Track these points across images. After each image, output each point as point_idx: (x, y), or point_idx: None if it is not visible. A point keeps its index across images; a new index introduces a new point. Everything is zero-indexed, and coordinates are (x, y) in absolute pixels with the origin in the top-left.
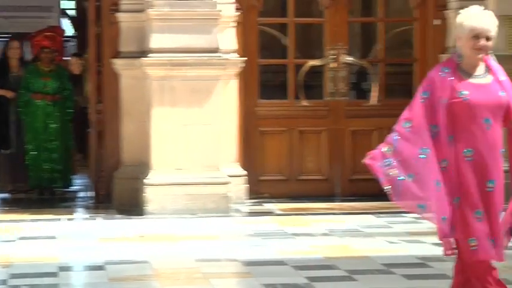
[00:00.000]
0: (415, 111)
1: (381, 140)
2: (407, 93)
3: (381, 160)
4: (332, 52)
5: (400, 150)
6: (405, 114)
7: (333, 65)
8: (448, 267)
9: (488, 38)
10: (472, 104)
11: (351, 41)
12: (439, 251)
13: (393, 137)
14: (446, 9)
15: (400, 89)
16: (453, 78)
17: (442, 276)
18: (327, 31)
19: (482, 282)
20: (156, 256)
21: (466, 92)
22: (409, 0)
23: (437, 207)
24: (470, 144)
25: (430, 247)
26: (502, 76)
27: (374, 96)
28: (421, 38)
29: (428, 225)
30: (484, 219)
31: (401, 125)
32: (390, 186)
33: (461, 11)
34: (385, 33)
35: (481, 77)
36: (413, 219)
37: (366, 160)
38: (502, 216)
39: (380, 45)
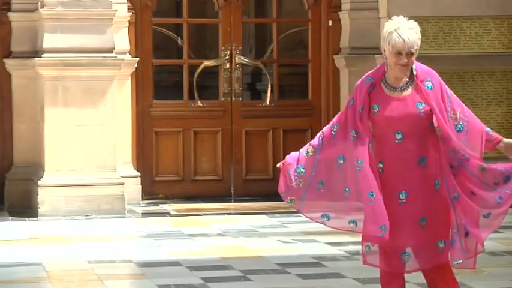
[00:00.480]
0: (341, 116)
1: (276, 140)
2: (302, 94)
3: (294, 167)
4: (227, 53)
5: (321, 152)
6: (336, 117)
7: (227, 65)
8: (342, 266)
9: (411, 54)
10: (383, 118)
11: (245, 42)
12: (333, 250)
13: (319, 137)
14: (340, 11)
15: (295, 90)
16: (372, 89)
17: (336, 276)
18: (222, 32)
19: None
20: (49, 258)
21: (377, 107)
22: (303, 1)
23: (374, 217)
24: (382, 157)
25: (325, 246)
26: (427, 84)
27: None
28: (315, 39)
29: (322, 224)
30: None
31: (330, 127)
32: (294, 199)
33: (387, 22)
34: (279, 34)
35: (400, 90)
36: (308, 219)
37: (280, 164)
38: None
39: (274, 46)
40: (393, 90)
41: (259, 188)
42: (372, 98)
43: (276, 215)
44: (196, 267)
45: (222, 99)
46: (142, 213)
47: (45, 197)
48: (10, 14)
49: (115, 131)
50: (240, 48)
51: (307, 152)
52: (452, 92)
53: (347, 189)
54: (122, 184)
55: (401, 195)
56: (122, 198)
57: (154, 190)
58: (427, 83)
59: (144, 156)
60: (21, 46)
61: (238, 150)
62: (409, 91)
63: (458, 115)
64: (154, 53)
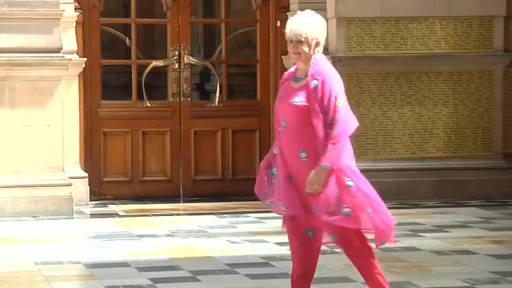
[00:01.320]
0: None
1: (225, 140)
2: (251, 94)
3: (268, 168)
4: (175, 53)
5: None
6: None
7: (176, 66)
8: (291, 266)
9: (300, 42)
10: (276, 106)
11: (194, 42)
12: (282, 250)
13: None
14: (288, 11)
15: (244, 90)
16: (284, 82)
17: (285, 276)
18: (170, 32)
19: None
20: None
21: (278, 96)
22: (251, 1)
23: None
24: (277, 143)
25: (274, 246)
26: (314, 82)
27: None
28: (263, 40)
29: (271, 224)
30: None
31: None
32: (270, 202)
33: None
34: (227, 35)
35: (298, 80)
36: (257, 219)
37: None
38: None
39: (223, 46)
40: (294, 81)
41: (208, 188)
42: (281, 89)
43: (225, 215)
44: (144, 267)
45: (171, 99)
46: (91, 214)
47: None
48: None
49: (63, 132)
50: (189, 48)
51: (276, 151)
52: (338, 99)
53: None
54: (70, 185)
55: (291, 179)
56: (70, 199)
57: (103, 191)
58: (314, 80)
59: (92, 157)
60: None
61: (187, 150)
62: (302, 83)
63: (331, 121)
64: (102, 53)
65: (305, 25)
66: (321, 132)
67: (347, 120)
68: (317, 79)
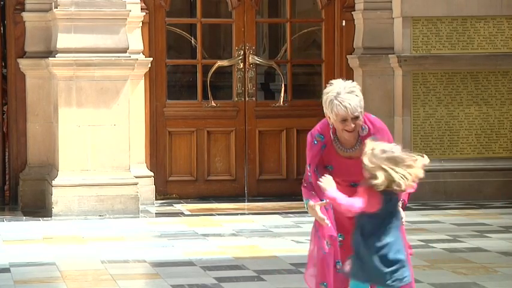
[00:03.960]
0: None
1: (289, 140)
2: (315, 94)
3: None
4: (240, 53)
5: None
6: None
7: (241, 65)
8: None
9: (356, 118)
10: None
11: (259, 42)
12: None
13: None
14: (353, 10)
15: (308, 90)
16: (324, 149)
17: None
18: (235, 32)
19: None
20: (62, 258)
21: (331, 168)
22: (316, 1)
23: None
24: None
25: None
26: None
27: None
28: (329, 39)
29: None
30: None
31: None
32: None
33: (326, 89)
34: (292, 34)
35: (352, 150)
36: None
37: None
38: None
39: (288, 46)
40: (345, 151)
41: (273, 188)
42: (325, 158)
43: (290, 215)
44: (209, 267)
45: (236, 99)
46: (156, 213)
47: (59, 197)
48: (24, 14)
49: (129, 131)
50: (254, 48)
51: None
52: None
53: None
54: (136, 184)
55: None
56: (136, 198)
57: (168, 190)
58: (370, 136)
59: (158, 156)
60: (35, 46)
61: (252, 150)
62: (359, 149)
63: None
64: (167, 53)
65: (355, 99)
66: None
67: None
68: (373, 135)
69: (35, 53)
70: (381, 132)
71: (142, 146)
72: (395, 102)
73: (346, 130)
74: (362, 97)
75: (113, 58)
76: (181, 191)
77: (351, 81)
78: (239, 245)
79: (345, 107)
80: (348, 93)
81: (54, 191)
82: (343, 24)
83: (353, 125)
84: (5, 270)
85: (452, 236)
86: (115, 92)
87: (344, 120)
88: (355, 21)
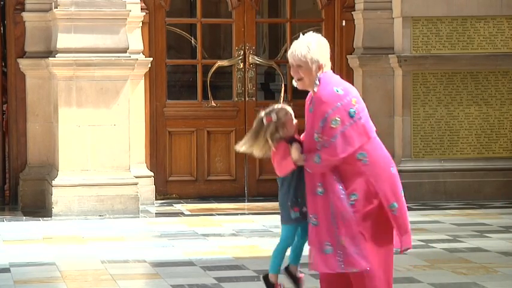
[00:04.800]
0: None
1: None
2: None
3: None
4: (240, 53)
5: None
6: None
7: (241, 65)
8: None
9: (299, 66)
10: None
11: (259, 42)
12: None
13: None
14: (353, 10)
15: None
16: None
17: None
18: (235, 32)
19: None
20: (62, 258)
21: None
22: (316, 1)
23: None
24: None
25: None
26: (311, 107)
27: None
28: (328, 39)
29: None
30: None
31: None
32: None
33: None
34: (292, 34)
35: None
36: None
37: None
38: None
39: (287, 45)
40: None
41: (273, 188)
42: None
43: None
44: (209, 267)
45: (236, 99)
46: (156, 213)
47: (59, 197)
48: (24, 14)
49: (129, 131)
50: (254, 48)
51: None
52: (332, 123)
53: None
54: (136, 184)
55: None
56: (136, 198)
57: (168, 190)
58: (310, 106)
59: (158, 156)
60: (35, 46)
61: None
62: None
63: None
64: (167, 53)
65: (304, 49)
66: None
67: (341, 145)
68: (311, 105)
69: (35, 53)
70: (316, 103)
71: (142, 146)
72: (395, 102)
73: (294, 79)
74: (317, 51)
75: (113, 58)
76: (181, 191)
77: (320, 35)
78: (239, 245)
79: (291, 52)
80: (302, 42)
81: (54, 191)
82: (343, 24)
83: (298, 74)
84: (5, 270)
85: (452, 236)
86: (115, 92)
87: (292, 66)
88: (355, 21)
